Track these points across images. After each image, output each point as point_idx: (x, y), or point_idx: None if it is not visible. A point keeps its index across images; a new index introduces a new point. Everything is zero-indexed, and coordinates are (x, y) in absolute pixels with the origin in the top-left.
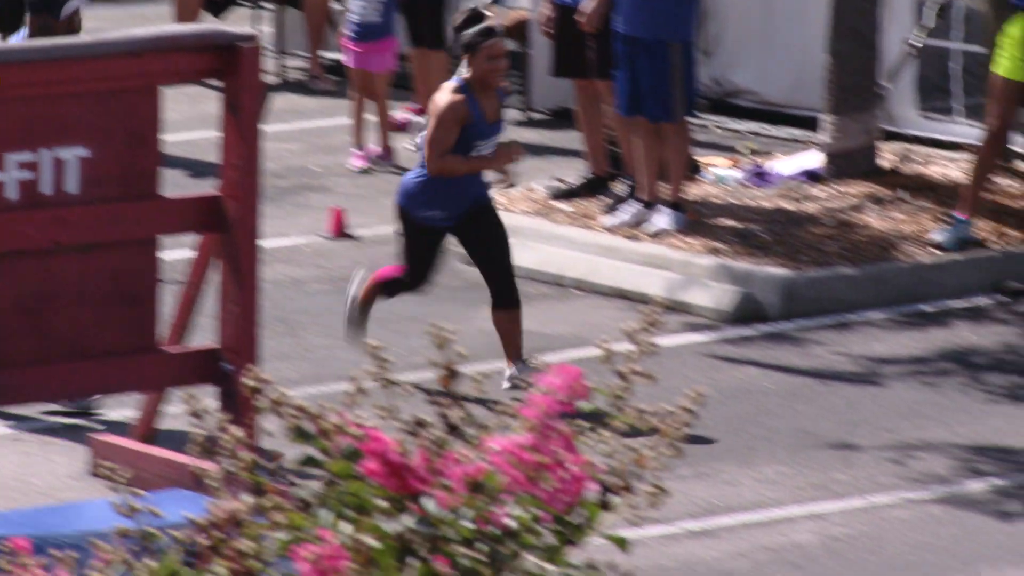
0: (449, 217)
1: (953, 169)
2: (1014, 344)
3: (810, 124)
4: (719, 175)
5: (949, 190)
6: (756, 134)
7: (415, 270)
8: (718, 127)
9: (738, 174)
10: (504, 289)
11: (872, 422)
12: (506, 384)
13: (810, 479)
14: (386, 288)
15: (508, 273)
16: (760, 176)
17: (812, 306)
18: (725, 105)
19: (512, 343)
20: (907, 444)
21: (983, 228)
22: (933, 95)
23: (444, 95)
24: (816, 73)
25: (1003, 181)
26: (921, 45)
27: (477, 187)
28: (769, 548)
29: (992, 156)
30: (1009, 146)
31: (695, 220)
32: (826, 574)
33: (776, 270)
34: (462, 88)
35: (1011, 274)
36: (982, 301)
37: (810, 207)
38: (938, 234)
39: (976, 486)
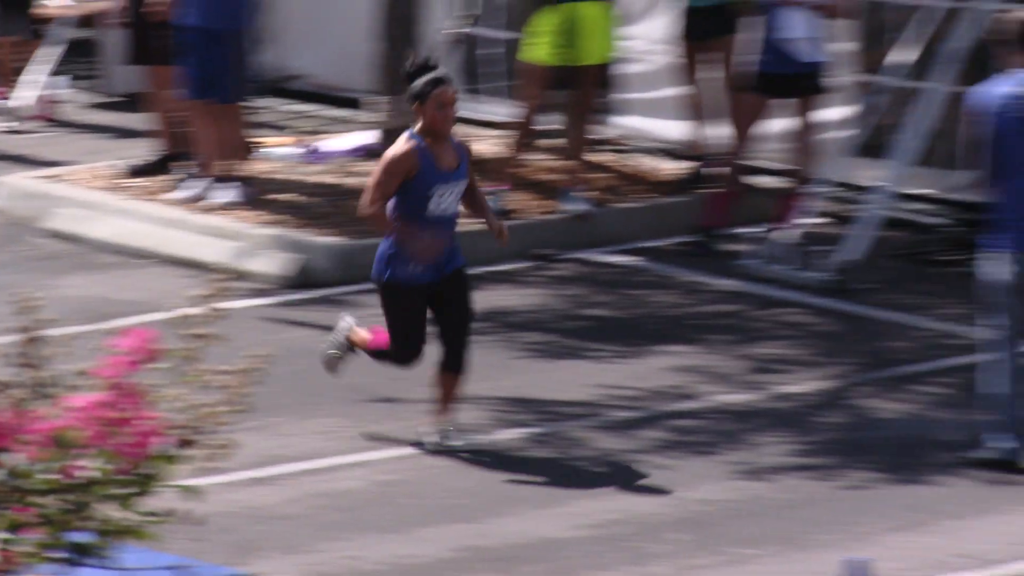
0: (427, 272)
1: (490, 145)
2: (544, 305)
3: (354, 104)
4: (276, 153)
5: (487, 165)
6: (309, 115)
7: (402, 341)
8: (278, 108)
9: (295, 151)
10: (458, 354)
11: (416, 378)
12: (428, 443)
13: (359, 430)
14: (376, 354)
15: (467, 340)
16: (315, 153)
17: (364, 272)
18: (285, 88)
19: (445, 401)
20: None
21: (516, 199)
22: (471, 78)
23: (397, 144)
24: (359, 58)
25: (534, 156)
26: (459, 32)
27: (449, 246)
28: (322, 494)
29: (526, 134)
30: (538, 126)
31: (257, 194)
32: (373, 517)
33: (330, 239)
34: (414, 137)
35: (540, 241)
36: (515, 266)
37: (361, 181)
38: None
39: (510, 434)
